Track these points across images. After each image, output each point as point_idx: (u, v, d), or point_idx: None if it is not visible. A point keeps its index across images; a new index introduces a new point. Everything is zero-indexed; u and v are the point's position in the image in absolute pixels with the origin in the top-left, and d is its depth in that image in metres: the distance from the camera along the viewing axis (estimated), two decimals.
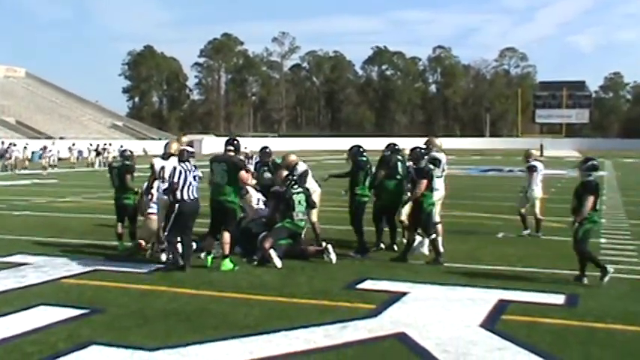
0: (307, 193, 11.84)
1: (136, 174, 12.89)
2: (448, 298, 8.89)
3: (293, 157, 12.69)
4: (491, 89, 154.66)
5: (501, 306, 8.46)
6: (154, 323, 7.59)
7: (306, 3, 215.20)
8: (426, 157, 11.78)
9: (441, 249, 11.59)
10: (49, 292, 9.12)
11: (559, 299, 8.84)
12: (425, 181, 11.28)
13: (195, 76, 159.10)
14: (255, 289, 9.29)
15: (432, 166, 11.75)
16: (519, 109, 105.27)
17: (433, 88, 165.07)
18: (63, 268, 10.72)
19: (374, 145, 10.94)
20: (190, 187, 10.65)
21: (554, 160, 61.02)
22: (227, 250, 10.74)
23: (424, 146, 12.41)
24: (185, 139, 14.71)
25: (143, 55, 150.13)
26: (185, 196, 10.60)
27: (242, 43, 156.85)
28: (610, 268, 9.86)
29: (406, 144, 13.43)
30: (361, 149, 12.66)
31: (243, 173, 10.84)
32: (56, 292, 9.19)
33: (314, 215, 12.52)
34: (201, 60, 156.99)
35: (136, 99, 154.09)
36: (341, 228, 13.92)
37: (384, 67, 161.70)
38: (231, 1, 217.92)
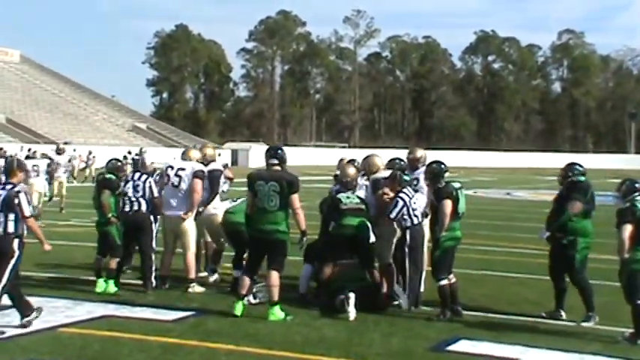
0: (363, 201, 11.86)
1: None
2: None
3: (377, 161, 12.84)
4: (639, 89, 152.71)
5: None
6: None
7: None
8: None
9: None
10: (42, 345, 9.24)
11: None
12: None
13: (242, 67, 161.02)
14: (313, 347, 9.30)
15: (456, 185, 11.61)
16: None
17: (557, 86, 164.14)
18: (62, 313, 10.87)
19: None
20: (125, 199, 12.80)
21: None
22: (276, 295, 10.75)
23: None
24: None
25: (175, 38, 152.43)
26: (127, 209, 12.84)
27: (304, 24, 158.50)
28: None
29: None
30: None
31: (295, 197, 10.89)
32: (52, 344, 9.30)
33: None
34: (250, 45, 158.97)
35: (165, 95, 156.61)
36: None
37: (490, 58, 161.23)
38: None
